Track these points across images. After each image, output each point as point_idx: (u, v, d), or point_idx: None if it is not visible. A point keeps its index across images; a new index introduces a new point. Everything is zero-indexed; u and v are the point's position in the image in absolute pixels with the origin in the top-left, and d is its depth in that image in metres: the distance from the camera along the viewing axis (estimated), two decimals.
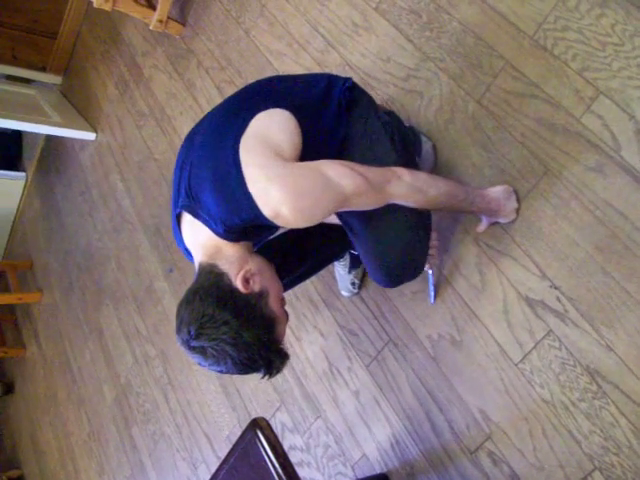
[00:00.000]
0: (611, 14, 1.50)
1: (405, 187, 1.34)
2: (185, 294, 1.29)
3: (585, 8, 1.55)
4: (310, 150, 1.31)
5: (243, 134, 1.25)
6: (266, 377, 1.28)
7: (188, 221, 1.34)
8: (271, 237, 1.60)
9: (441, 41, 1.84)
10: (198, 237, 1.33)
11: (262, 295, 1.28)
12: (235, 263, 1.29)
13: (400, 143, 1.49)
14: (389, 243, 1.43)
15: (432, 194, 1.40)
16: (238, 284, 1.26)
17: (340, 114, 1.45)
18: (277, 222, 1.22)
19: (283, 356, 1.29)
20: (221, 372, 1.26)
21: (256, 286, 1.28)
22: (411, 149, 1.71)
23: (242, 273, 1.27)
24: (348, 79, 1.51)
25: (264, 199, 1.19)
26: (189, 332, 1.21)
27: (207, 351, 1.21)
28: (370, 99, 1.57)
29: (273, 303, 1.31)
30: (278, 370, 1.28)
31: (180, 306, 1.27)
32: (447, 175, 1.77)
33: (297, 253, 1.78)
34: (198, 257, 1.34)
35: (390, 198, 1.34)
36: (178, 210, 1.35)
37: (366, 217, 1.42)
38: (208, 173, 1.28)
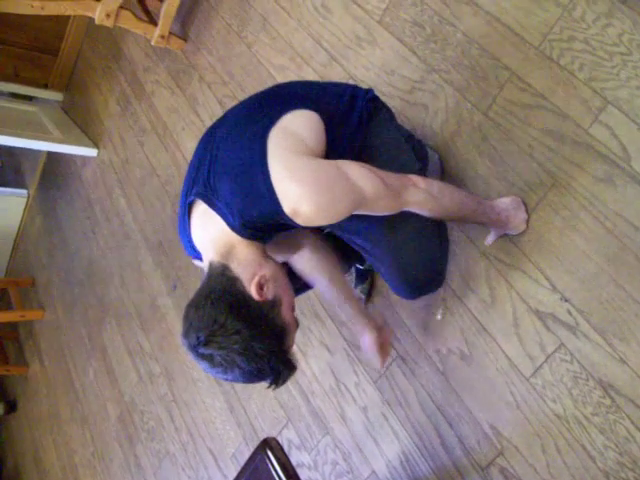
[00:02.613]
0: (618, 24, 1.49)
1: (421, 194, 1.34)
2: (195, 296, 1.23)
3: (591, 18, 1.54)
4: (330, 157, 1.30)
5: (272, 128, 1.24)
6: (272, 387, 1.24)
7: (201, 211, 1.30)
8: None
9: (446, 53, 1.83)
10: (210, 230, 1.28)
11: (275, 303, 1.24)
12: (248, 267, 1.24)
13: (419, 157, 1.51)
14: (412, 255, 1.43)
15: (446, 202, 1.40)
16: (252, 291, 1.21)
17: (361, 125, 1.45)
18: (295, 220, 1.19)
19: (291, 367, 1.25)
20: (226, 380, 1.22)
21: (270, 293, 1.24)
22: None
23: (257, 279, 1.22)
24: (370, 90, 1.52)
25: (284, 194, 1.17)
26: (198, 338, 1.16)
27: (215, 359, 1.16)
28: (390, 111, 1.58)
29: (285, 311, 1.27)
30: (284, 381, 1.24)
31: (189, 309, 1.22)
32: None
33: None
34: (209, 254, 1.28)
35: (406, 205, 1.34)
36: (192, 198, 1.30)
37: (385, 232, 1.42)
38: (231, 163, 1.26)
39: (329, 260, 1.64)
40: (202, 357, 1.18)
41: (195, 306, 1.21)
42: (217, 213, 1.25)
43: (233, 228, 1.24)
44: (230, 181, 1.24)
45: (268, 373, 1.21)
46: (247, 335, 1.16)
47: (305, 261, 1.64)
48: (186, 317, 1.22)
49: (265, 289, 1.23)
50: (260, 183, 1.19)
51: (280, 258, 1.53)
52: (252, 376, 1.20)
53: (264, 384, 1.25)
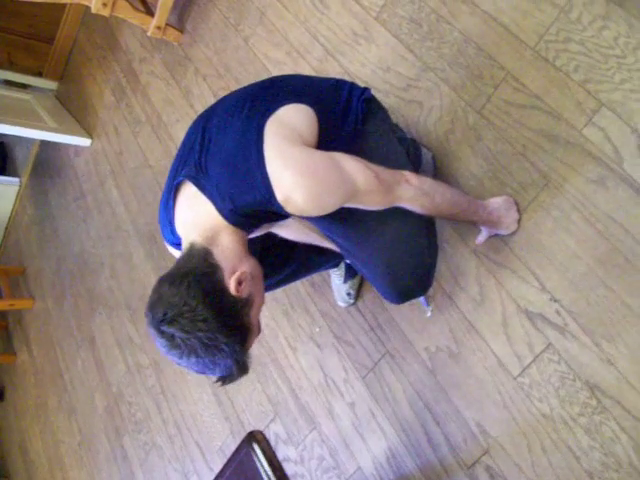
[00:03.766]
0: (614, 26, 1.50)
1: (413, 190, 1.34)
2: (172, 272, 1.20)
3: (587, 20, 1.54)
4: None
5: (269, 118, 1.24)
6: (219, 383, 1.22)
7: (188, 194, 1.28)
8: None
9: (442, 51, 1.83)
10: (197, 214, 1.26)
11: (247, 302, 1.23)
12: (230, 258, 1.23)
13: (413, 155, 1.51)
14: (399, 258, 1.42)
15: (437, 200, 1.40)
16: (231, 284, 1.20)
17: (356, 125, 1.45)
18: (287, 208, 1.19)
19: (244, 369, 1.22)
20: (178, 364, 1.19)
21: (245, 291, 1.22)
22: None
23: (238, 274, 1.21)
24: (366, 90, 1.51)
25: (278, 181, 1.17)
26: (164, 314, 1.13)
27: (175, 340, 1.13)
28: (385, 112, 1.57)
29: (254, 313, 1.26)
30: (232, 381, 1.22)
31: (163, 283, 1.18)
32: None
33: (284, 253, 1.76)
34: (191, 235, 1.25)
35: (397, 200, 1.34)
36: (180, 179, 1.29)
37: (371, 234, 1.41)
38: (226, 148, 1.25)
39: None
40: (162, 334, 1.14)
41: (170, 282, 1.17)
42: (206, 196, 1.24)
43: (221, 212, 1.23)
44: (223, 165, 1.24)
45: (222, 369, 1.19)
46: (214, 326, 1.14)
47: (293, 229, 1.68)
48: (157, 290, 1.18)
49: (243, 286, 1.22)
50: (254, 169, 1.19)
51: (265, 229, 1.52)
52: (205, 368, 1.18)
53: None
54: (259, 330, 1.30)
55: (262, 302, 1.32)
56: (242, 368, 1.21)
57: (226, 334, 1.16)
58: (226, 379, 1.22)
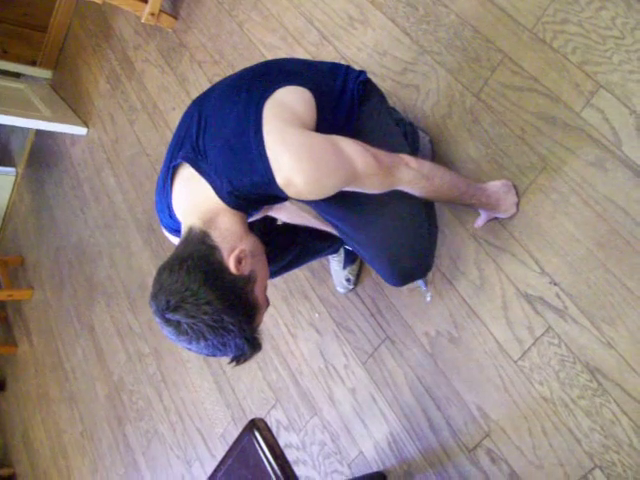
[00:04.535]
0: (611, 7, 1.48)
1: (412, 173, 1.34)
2: (171, 259, 1.20)
3: (585, 1, 1.53)
4: None
5: (268, 99, 1.23)
6: (233, 363, 1.23)
7: (186, 176, 1.27)
8: (261, 217, 1.59)
9: (438, 34, 1.82)
10: (195, 196, 1.26)
11: (250, 279, 1.22)
12: (229, 238, 1.23)
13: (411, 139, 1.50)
14: (398, 240, 1.41)
15: (436, 183, 1.39)
16: (230, 263, 1.19)
17: (352, 107, 1.44)
18: (287, 191, 1.19)
19: (256, 346, 1.22)
20: (189, 350, 1.19)
21: (246, 268, 1.22)
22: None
23: (236, 252, 1.20)
24: (362, 72, 1.50)
25: (278, 164, 1.16)
26: (167, 302, 1.13)
27: (182, 327, 1.13)
28: (382, 95, 1.56)
29: (258, 289, 1.25)
30: (246, 359, 1.22)
31: (162, 271, 1.18)
32: None
33: (286, 239, 1.76)
34: (189, 219, 1.25)
35: (397, 183, 1.33)
36: (178, 161, 1.27)
37: (370, 217, 1.41)
38: (223, 130, 1.24)
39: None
40: (168, 322, 1.15)
41: (169, 269, 1.17)
42: (204, 178, 1.23)
43: (220, 194, 1.23)
44: (221, 148, 1.23)
45: (232, 349, 1.19)
46: (218, 307, 1.14)
47: (289, 211, 1.69)
48: (158, 279, 1.18)
49: (243, 263, 1.21)
50: (254, 152, 1.18)
51: (263, 211, 1.52)
52: (216, 349, 1.17)
53: (247, 363, 1.24)
54: (267, 304, 1.30)
55: (266, 277, 1.31)
56: (254, 345, 1.21)
57: (231, 314, 1.16)
58: (240, 358, 1.22)
